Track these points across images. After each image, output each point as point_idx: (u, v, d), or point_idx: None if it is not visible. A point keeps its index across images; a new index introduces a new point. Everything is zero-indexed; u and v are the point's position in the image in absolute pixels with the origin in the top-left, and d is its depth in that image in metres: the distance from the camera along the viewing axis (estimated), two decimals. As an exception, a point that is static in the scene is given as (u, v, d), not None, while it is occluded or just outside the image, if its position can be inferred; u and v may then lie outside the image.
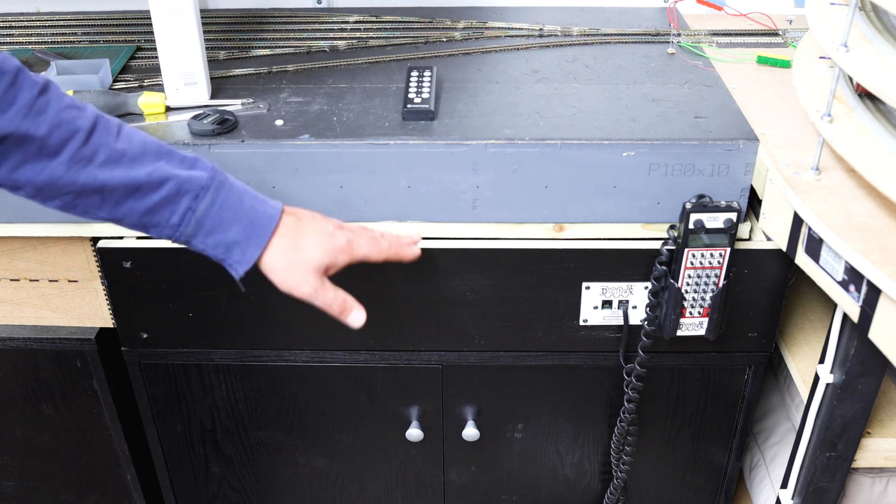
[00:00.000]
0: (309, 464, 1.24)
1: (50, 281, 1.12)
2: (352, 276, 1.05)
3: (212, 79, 1.11)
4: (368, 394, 1.16)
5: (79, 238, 1.07)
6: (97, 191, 0.75)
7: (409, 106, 1.02)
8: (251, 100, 1.07)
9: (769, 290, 1.04)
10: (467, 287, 1.05)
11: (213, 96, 1.08)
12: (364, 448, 1.22)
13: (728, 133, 0.98)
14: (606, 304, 1.06)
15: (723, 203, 0.97)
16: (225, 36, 1.29)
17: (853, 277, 0.80)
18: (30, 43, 1.26)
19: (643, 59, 1.18)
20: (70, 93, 1.02)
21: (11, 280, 1.12)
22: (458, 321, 1.08)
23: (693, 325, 1.04)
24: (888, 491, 1.10)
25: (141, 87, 1.11)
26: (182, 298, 1.07)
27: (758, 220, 0.99)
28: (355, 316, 0.86)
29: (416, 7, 1.39)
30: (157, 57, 1.06)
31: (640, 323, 1.06)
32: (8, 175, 0.73)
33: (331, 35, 1.28)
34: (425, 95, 1.04)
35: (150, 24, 1.02)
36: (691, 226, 0.96)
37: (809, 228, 0.86)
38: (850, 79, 0.88)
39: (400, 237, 0.91)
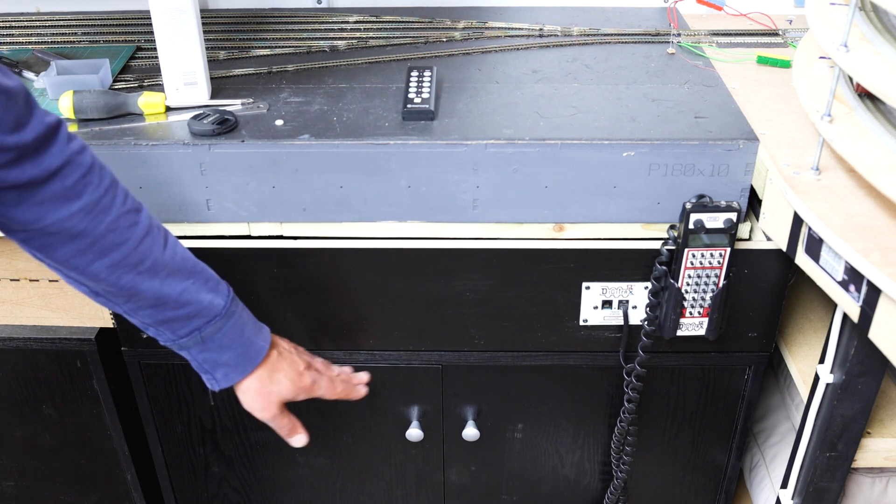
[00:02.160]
0: (309, 464, 1.24)
1: (50, 281, 1.12)
2: (352, 276, 1.05)
3: (212, 79, 1.11)
4: (368, 394, 1.16)
5: (79, 238, 1.07)
6: (128, 294, 0.79)
7: (409, 106, 1.02)
8: (251, 100, 1.07)
9: (769, 290, 1.04)
10: (467, 287, 1.05)
11: (213, 96, 1.08)
12: (364, 448, 1.22)
13: (728, 133, 0.98)
14: (606, 304, 1.06)
15: (723, 203, 0.97)
16: (225, 36, 1.29)
17: (853, 277, 0.80)
18: (30, 43, 1.26)
19: (643, 59, 1.18)
20: (70, 93, 1.02)
21: (11, 280, 1.12)
22: (458, 321, 1.08)
23: (693, 325, 1.04)
24: (888, 491, 1.10)
25: (141, 87, 1.11)
26: (182, 298, 1.07)
27: (758, 220, 0.99)
28: (298, 439, 0.96)
29: (416, 7, 1.39)
30: (157, 57, 1.06)
31: (640, 323, 1.06)
32: (66, 260, 0.76)
33: (331, 35, 1.28)
34: (425, 95, 1.04)
35: (150, 24, 1.02)
36: (691, 226, 0.96)
37: (809, 228, 0.86)
38: (850, 79, 0.88)
39: (352, 378, 1.00)
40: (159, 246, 0.80)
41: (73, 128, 1.01)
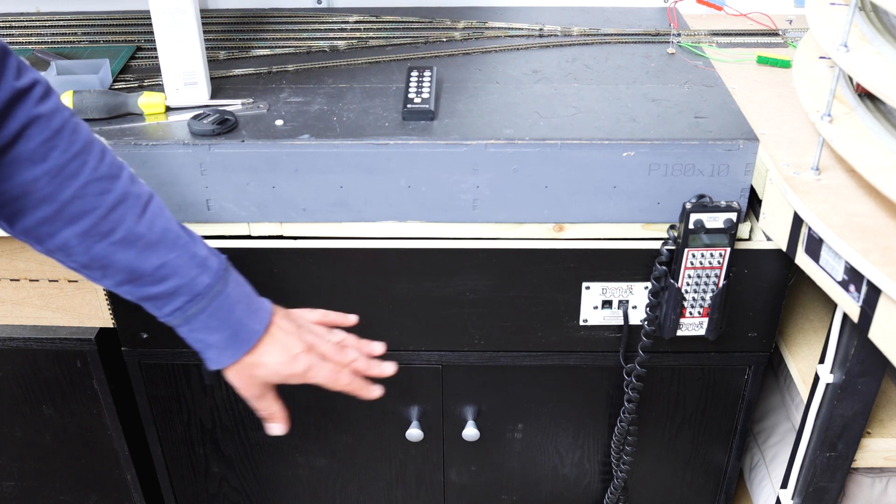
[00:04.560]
0: (309, 464, 1.24)
1: (50, 281, 1.12)
2: (352, 276, 1.05)
3: (212, 79, 1.11)
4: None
5: (79, 238, 1.07)
6: (103, 266, 0.76)
7: (409, 106, 1.02)
8: (251, 100, 1.07)
9: (769, 290, 1.04)
10: (467, 287, 1.05)
11: (213, 96, 1.08)
12: (364, 448, 1.22)
13: (728, 133, 0.98)
14: (606, 304, 1.06)
15: (723, 203, 0.97)
16: (225, 36, 1.29)
17: (853, 277, 0.80)
18: (30, 43, 1.26)
19: (643, 59, 1.18)
20: (70, 93, 1.02)
21: (11, 280, 1.12)
22: (458, 321, 1.08)
23: (693, 325, 1.04)
24: (888, 491, 1.10)
25: (141, 87, 1.11)
26: (182, 298, 1.07)
27: (758, 220, 0.99)
28: (275, 427, 0.89)
29: (416, 7, 1.39)
30: (157, 57, 1.06)
31: (640, 323, 1.06)
32: (34, 229, 0.73)
33: (331, 35, 1.28)
34: (425, 95, 1.04)
35: (150, 24, 1.02)
36: (691, 226, 0.96)
37: (809, 228, 0.86)
38: (850, 79, 0.88)
39: (370, 368, 0.88)
40: (133, 216, 0.76)
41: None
